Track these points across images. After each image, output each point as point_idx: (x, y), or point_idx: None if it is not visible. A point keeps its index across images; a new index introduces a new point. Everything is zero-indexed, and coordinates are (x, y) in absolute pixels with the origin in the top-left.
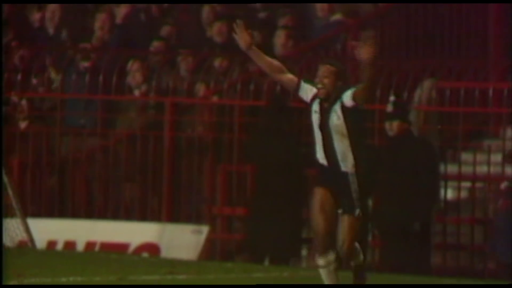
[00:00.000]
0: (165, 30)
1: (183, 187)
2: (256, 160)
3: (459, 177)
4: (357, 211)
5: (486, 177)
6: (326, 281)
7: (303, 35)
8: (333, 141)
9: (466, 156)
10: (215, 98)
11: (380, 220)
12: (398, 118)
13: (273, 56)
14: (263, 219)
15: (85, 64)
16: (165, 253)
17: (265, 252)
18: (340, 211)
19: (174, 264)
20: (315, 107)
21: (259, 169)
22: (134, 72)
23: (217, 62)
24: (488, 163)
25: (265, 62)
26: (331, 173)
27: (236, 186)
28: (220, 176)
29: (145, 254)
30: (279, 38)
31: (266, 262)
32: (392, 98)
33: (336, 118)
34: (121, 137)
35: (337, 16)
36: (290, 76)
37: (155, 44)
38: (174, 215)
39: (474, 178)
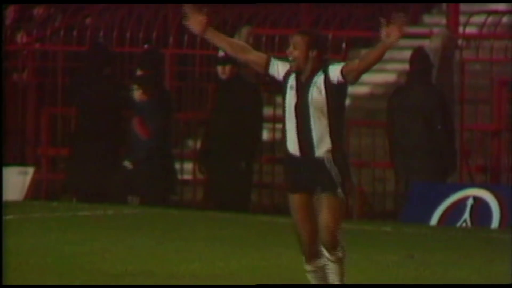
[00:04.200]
0: None
1: (8, 130)
2: (78, 102)
3: (274, 119)
4: (340, 192)
5: None
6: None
7: None
8: (310, 120)
9: (280, 99)
10: (37, 45)
11: (207, 159)
12: (230, 62)
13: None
14: (84, 159)
15: None
16: None
17: (88, 191)
18: (318, 191)
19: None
20: (291, 81)
21: (81, 111)
22: None
23: (36, 10)
24: None
25: (226, 42)
26: (304, 164)
27: (61, 128)
28: (44, 119)
29: None
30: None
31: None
32: None
33: (317, 92)
34: None
35: None
36: (257, 54)
37: None
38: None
39: None
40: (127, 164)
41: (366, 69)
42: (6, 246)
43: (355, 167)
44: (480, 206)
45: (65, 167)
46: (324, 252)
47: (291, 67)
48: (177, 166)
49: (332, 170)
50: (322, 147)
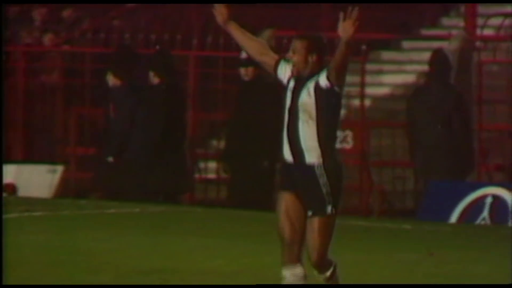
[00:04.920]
0: None
1: (37, 129)
2: (105, 103)
3: None
4: (329, 208)
5: None
6: None
7: None
8: (298, 123)
9: None
10: (66, 46)
11: (231, 158)
12: (253, 64)
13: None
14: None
15: None
16: (22, 192)
17: (116, 189)
18: (309, 213)
19: (31, 202)
20: (290, 85)
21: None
22: None
23: (65, 13)
24: None
25: (244, 40)
26: (296, 171)
27: (89, 128)
28: (72, 118)
29: (4, 194)
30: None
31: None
32: None
33: (307, 95)
34: None
35: None
36: (271, 55)
37: None
38: (30, 156)
39: None
40: (110, 159)
41: (339, 67)
42: (36, 243)
43: (375, 166)
44: (498, 204)
45: (92, 166)
46: (315, 273)
47: (292, 71)
48: (202, 165)
49: (321, 179)
50: (312, 153)
